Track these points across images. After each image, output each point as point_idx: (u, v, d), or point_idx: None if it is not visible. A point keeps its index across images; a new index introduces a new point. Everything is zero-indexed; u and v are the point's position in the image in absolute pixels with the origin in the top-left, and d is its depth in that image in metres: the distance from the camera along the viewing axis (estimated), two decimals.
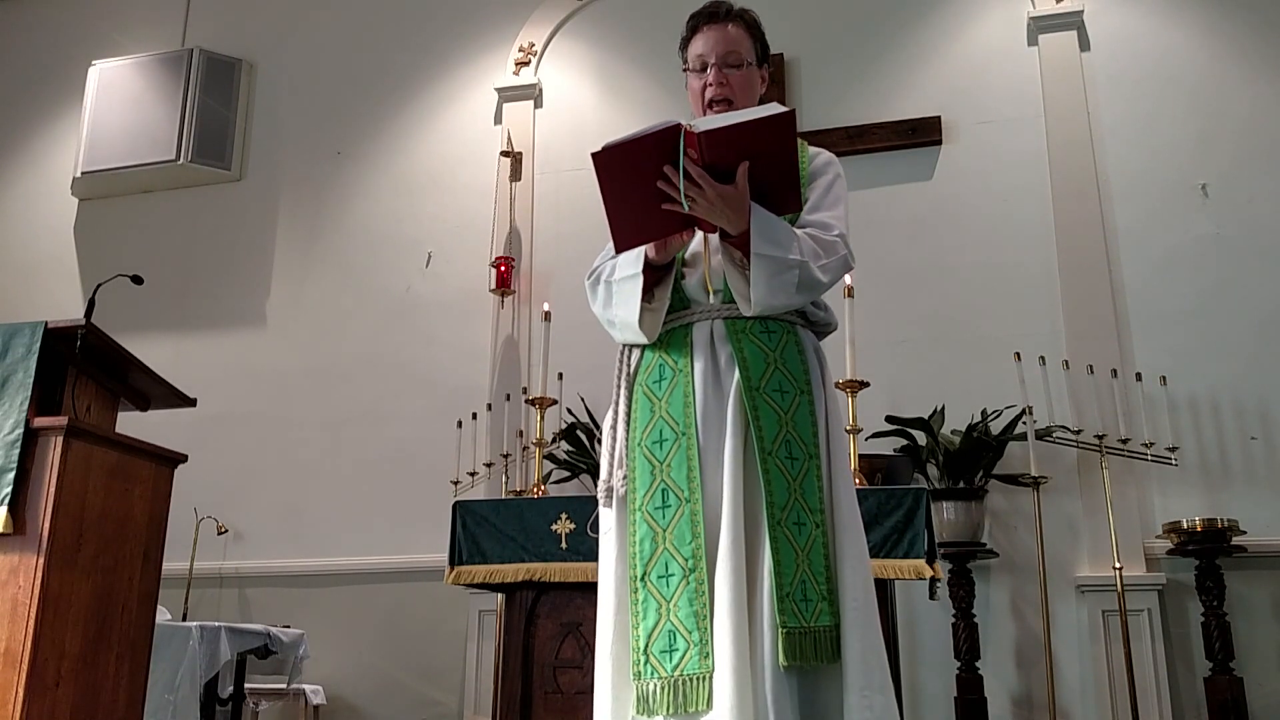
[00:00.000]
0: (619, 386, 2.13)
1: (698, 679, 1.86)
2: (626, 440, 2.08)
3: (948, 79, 5.24)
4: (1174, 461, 4.35)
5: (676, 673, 1.87)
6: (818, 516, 1.97)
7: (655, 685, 1.89)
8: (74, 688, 2.64)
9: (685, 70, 2.27)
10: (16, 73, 6.80)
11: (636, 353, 2.15)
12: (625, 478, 2.05)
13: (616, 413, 2.12)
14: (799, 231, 2.03)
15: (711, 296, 2.07)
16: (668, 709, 1.86)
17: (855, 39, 5.42)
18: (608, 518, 2.09)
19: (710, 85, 2.17)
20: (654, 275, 2.07)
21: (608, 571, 2.05)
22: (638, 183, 1.91)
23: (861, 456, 3.81)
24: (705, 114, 2.17)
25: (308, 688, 4.85)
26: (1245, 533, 4.15)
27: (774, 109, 1.87)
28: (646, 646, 1.92)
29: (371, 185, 5.95)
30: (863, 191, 4.92)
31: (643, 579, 1.96)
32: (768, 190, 1.97)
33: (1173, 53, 5.02)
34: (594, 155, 1.87)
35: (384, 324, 5.66)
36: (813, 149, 2.24)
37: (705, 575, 1.90)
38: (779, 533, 1.91)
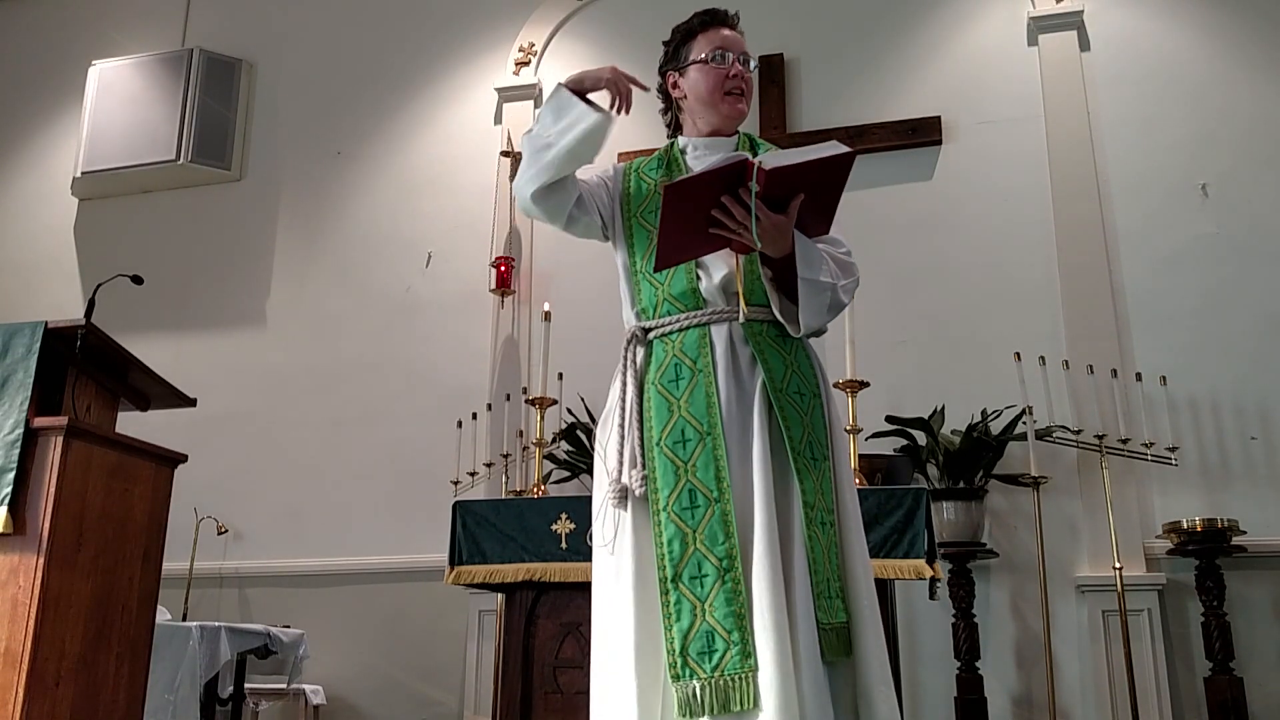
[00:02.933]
0: (625, 384, 2.10)
1: (740, 678, 1.86)
2: (641, 440, 2.05)
3: (948, 79, 5.24)
4: (1174, 461, 4.35)
5: (717, 674, 1.87)
6: (833, 516, 2.02)
7: (697, 686, 1.88)
8: (74, 688, 2.64)
9: (685, 65, 2.25)
10: (16, 73, 6.80)
11: (644, 350, 2.13)
12: (644, 478, 2.02)
13: (625, 411, 2.08)
14: (824, 253, 2.08)
15: (742, 301, 2.07)
16: (712, 710, 1.86)
17: (855, 39, 5.42)
18: (617, 519, 2.04)
19: (733, 76, 2.22)
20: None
21: (625, 572, 1.99)
22: (695, 210, 1.95)
23: (861, 456, 3.82)
24: (723, 104, 2.21)
25: (308, 688, 4.85)
26: (1245, 533, 4.14)
27: (836, 148, 1.92)
28: (683, 648, 1.91)
29: (371, 185, 5.94)
30: (863, 191, 4.91)
31: (674, 580, 1.94)
32: (805, 216, 2.01)
33: (1173, 53, 5.01)
34: (665, 189, 1.92)
35: (384, 324, 5.66)
36: None
37: (741, 575, 1.91)
38: (812, 530, 1.94)
